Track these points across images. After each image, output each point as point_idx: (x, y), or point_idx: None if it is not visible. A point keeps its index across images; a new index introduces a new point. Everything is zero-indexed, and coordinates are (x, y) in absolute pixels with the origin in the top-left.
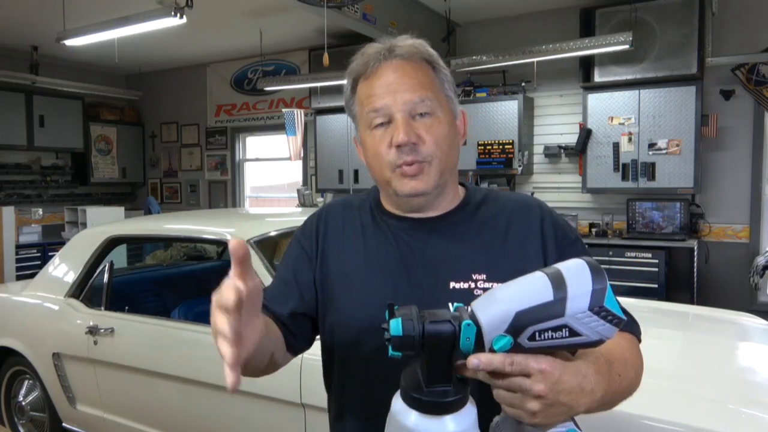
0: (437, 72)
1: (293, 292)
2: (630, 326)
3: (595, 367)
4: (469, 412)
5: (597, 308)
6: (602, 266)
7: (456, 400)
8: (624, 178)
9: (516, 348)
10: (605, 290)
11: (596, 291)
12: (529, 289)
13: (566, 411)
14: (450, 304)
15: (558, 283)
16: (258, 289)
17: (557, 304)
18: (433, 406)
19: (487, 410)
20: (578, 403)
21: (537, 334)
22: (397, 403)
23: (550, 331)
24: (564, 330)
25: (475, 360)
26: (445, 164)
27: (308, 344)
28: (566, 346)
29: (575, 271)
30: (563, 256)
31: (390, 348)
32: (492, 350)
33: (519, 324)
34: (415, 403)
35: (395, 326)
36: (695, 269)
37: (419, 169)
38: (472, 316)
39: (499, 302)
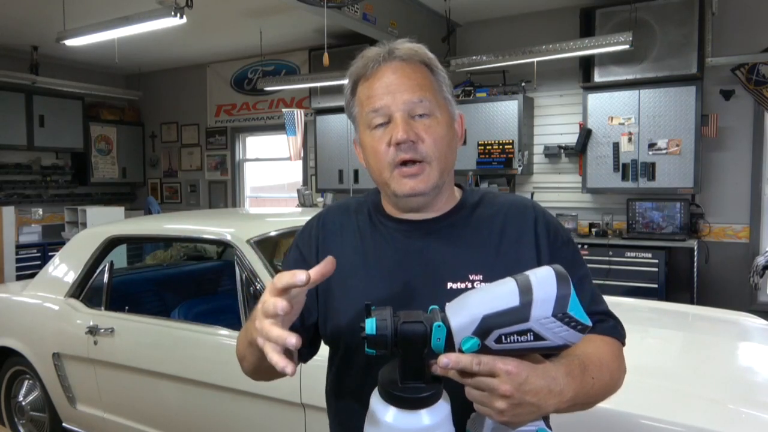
0: (435, 74)
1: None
2: (614, 330)
3: (566, 369)
4: (442, 407)
5: (560, 314)
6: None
7: (429, 395)
8: (624, 178)
9: (484, 350)
10: (569, 297)
11: (560, 298)
12: (498, 294)
13: (534, 411)
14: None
15: (525, 289)
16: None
17: (522, 309)
18: (407, 401)
19: (467, 408)
20: (546, 404)
21: (503, 337)
22: (375, 398)
23: (515, 335)
24: (529, 334)
25: (445, 359)
26: (444, 165)
27: (316, 350)
28: (532, 350)
29: (542, 278)
30: (555, 256)
31: (365, 345)
32: (461, 351)
33: (486, 327)
34: (391, 398)
35: (370, 325)
36: (695, 269)
37: (419, 169)
38: (444, 318)
39: (468, 306)
